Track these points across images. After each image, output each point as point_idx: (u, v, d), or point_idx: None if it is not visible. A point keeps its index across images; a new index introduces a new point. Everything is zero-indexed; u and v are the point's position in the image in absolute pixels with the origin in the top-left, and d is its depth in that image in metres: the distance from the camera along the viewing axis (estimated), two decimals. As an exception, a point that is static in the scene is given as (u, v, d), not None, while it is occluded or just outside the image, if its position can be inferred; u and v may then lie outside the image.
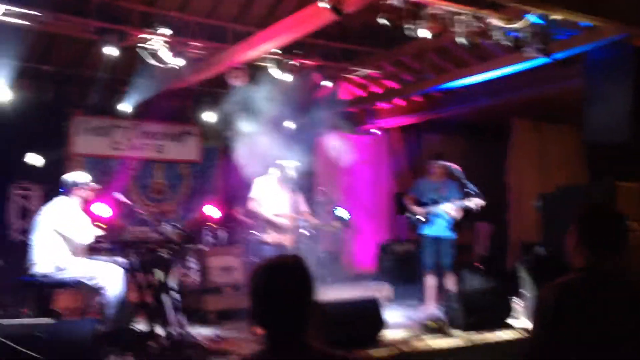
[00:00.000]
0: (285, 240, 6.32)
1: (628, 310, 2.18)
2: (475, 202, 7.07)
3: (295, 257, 2.05)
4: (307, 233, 6.59)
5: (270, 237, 6.31)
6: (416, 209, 7.61)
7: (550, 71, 7.61)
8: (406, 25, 5.29)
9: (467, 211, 7.37)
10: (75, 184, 5.52)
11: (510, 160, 10.22)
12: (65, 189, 5.53)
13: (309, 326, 1.95)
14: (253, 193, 6.49)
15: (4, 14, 5.83)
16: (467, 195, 7.21)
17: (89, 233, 5.36)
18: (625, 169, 7.54)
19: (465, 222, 8.81)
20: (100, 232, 5.42)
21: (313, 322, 1.96)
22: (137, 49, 6.74)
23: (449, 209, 7.27)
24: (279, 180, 6.52)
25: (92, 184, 5.65)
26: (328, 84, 8.45)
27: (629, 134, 5.88)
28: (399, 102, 9.81)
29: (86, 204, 5.65)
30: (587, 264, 2.35)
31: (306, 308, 1.96)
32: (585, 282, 2.23)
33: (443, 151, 8.22)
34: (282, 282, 1.96)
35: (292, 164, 6.47)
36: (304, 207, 6.67)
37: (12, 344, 4.01)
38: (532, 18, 5.58)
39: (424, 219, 7.55)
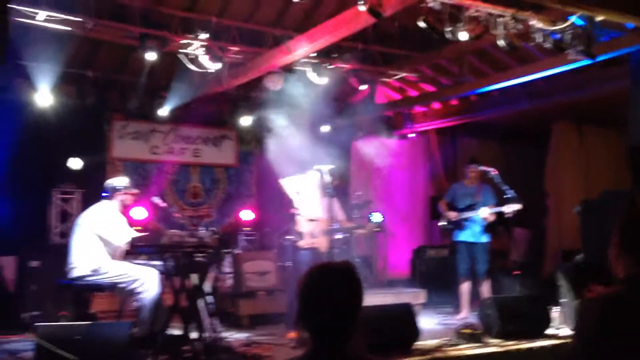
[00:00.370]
0: (320, 244, 6.26)
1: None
2: (511, 207, 6.98)
3: (346, 263, 2.04)
4: (340, 237, 6.53)
5: (304, 241, 6.27)
6: (450, 214, 7.54)
7: (593, 73, 7.43)
8: (446, 29, 5.20)
9: (502, 216, 7.28)
10: (116, 189, 5.64)
11: (550, 164, 9.97)
12: (106, 193, 5.65)
13: (354, 334, 1.92)
14: (290, 194, 6.44)
15: (46, 20, 5.95)
16: (502, 199, 7.12)
17: (127, 235, 5.43)
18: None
19: (503, 227, 8.69)
20: (138, 235, 5.48)
21: (359, 329, 1.93)
22: (177, 54, 6.81)
23: (485, 214, 7.22)
24: (316, 184, 6.47)
25: (132, 188, 5.75)
26: (365, 87, 8.39)
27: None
28: (435, 105, 9.69)
29: (125, 208, 5.77)
30: (630, 273, 2.23)
31: (353, 315, 1.94)
32: (630, 295, 2.12)
33: (478, 155, 8.10)
34: (331, 286, 1.95)
35: (328, 168, 6.43)
36: (339, 211, 6.61)
37: (50, 346, 4.08)
38: (575, 20, 5.42)
39: (457, 225, 7.49)
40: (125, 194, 5.67)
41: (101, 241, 5.44)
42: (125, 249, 5.42)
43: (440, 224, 7.84)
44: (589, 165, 10.25)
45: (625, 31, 6.01)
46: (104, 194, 5.68)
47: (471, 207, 7.42)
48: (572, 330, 1.73)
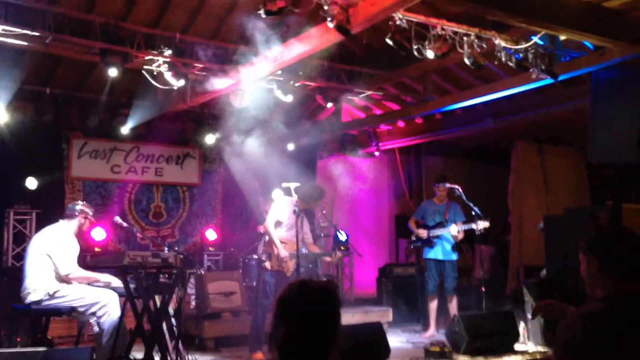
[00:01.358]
0: (287, 267, 6.15)
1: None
2: (480, 224, 7.06)
3: (327, 282, 1.99)
4: (307, 265, 6.43)
5: (269, 264, 6.15)
6: (420, 231, 7.59)
7: (555, 92, 7.58)
8: (413, 46, 5.23)
9: (469, 233, 7.36)
10: (77, 212, 5.51)
11: (511, 182, 10.12)
12: (67, 215, 5.52)
13: (330, 355, 1.84)
14: (272, 212, 6.31)
15: (2, 34, 5.75)
16: (469, 217, 7.20)
17: (71, 267, 5.26)
18: (627, 191, 7.48)
19: (467, 245, 8.78)
20: (81, 274, 5.29)
21: (335, 350, 1.85)
22: (141, 71, 6.67)
23: (454, 231, 7.27)
24: (289, 204, 6.38)
25: (92, 216, 5.63)
26: (330, 105, 8.38)
27: (636, 154, 5.79)
28: (400, 124, 9.75)
29: (81, 233, 5.63)
30: (612, 292, 2.23)
31: (331, 336, 1.87)
32: (615, 312, 2.11)
33: (446, 173, 8.17)
34: (308, 305, 1.87)
35: (294, 186, 6.34)
36: (308, 233, 6.51)
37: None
38: (538, 39, 5.52)
39: (426, 242, 7.54)
40: (85, 218, 5.55)
41: (53, 264, 5.23)
42: (64, 277, 5.21)
43: (410, 241, 7.86)
44: (549, 183, 10.44)
45: (586, 51, 6.15)
46: (64, 215, 5.55)
47: (440, 225, 7.50)
48: (553, 347, 1.70)
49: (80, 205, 5.58)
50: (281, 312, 1.89)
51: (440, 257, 7.52)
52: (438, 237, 7.51)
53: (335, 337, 1.88)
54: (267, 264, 6.15)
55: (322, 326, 1.86)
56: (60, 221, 5.53)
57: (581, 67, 6.22)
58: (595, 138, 6.52)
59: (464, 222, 7.34)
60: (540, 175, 10.42)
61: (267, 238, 6.29)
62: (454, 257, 7.54)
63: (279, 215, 6.28)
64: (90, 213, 5.60)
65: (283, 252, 6.06)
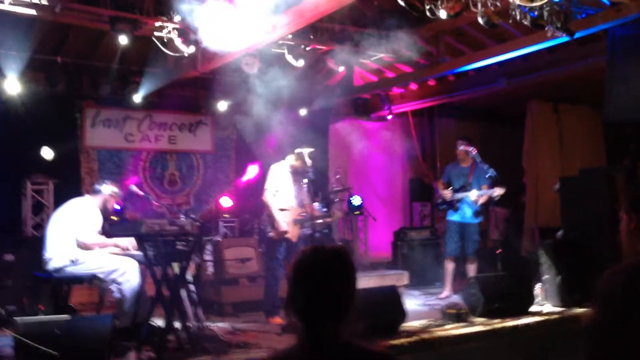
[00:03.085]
0: (291, 234, 6.19)
1: None
2: (496, 191, 7.04)
3: (340, 247, 1.99)
4: (308, 231, 6.47)
5: (274, 232, 6.19)
6: (444, 193, 7.55)
7: (570, 51, 7.43)
8: (426, 6, 5.13)
9: (490, 198, 7.31)
10: (104, 191, 5.67)
11: (527, 143, 10.03)
12: (94, 191, 5.71)
13: (347, 319, 1.86)
14: (268, 183, 6.34)
15: (12, 4, 5.72)
16: (490, 180, 7.15)
17: (93, 236, 5.40)
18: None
19: (482, 206, 8.74)
20: (101, 240, 5.45)
21: (351, 315, 1.86)
22: (151, 38, 6.63)
23: (474, 197, 7.23)
24: (291, 170, 6.38)
25: (119, 196, 5.85)
26: (342, 69, 8.29)
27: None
28: (412, 86, 9.64)
29: (105, 209, 5.76)
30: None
31: (346, 299, 1.88)
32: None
33: (459, 135, 8.07)
34: (325, 269, 1.88)
35: (307, 151, 6.33)
36: (306, 198, 6.52)
37: (29, 342, 3.95)
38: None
39: (450, 205, 7.51)
40: (111, 197, 5.72)
41: (75, 233, 5.34)
42: (88, 244, 5.32)
43: (436, 204, 7.84)
44: (565, 142, 10.34)
45: (603, 7, 6.00)
46: (91, 190, 5.76)
47: (463, 188, 7.44)
48: (594, 304, 1.68)
49: (108, 184, 5.75)
50: (297, 277, 1.91)
51: (461, 219, 7.50)
52: (460, 200, 7.47)
53: (352, 299, 1.90)
54: (272, 233, 6.20)
55: (339, 289, 1.87)
56: (86, 195, 5.71)
57: (597, 24, 6.07)
58: (612, 96, 6.44)
59: (485, 186, 7.27)
60: (555, 135, 10.31)
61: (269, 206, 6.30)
62: (476, 220, 7.51)
63: (276, 185, 6.30)
64: (117, 192, 5.76)
65: (282, 226, 6.12)
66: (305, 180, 6.35)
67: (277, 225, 6.14)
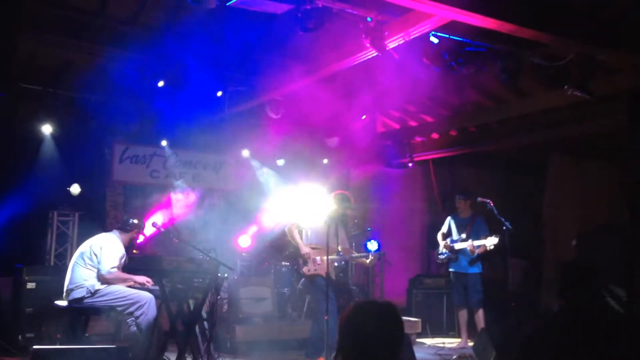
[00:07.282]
0: (321, 271, 6.24)
1: None
2: (491, 241, 7.07)
3: (389, 303, 2.13)
4: (337, 265, 6.53)
5: (307, 268, 6.24)
6: (444, 244, 7.68)
7: (591, 108, 7.48)
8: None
9: (499, 247, 7.32)
10: (134, 225, 5.93)
11: (547, 195, 10.00)
12: (122, 227, 5.94)
13: None
14: (295, 219, 6.43)
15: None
16: (494, 231, 7.21)
17: (113, 267, 5.57)
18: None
19: (498, 258, 8.71)
20: (120, 276, 5.60)
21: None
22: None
23: (469, 246, 7.34)
24: (323, 212, 6.46)
25: (144, 231, 6.18)
26: (364, 116, 8.46)
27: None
28: (434, 135, 9.75)
29: (130, 244, 6.02)
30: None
31: (397, 346, 2.03)
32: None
33: (476, 186, 8.16)
34: (379, 323, 2.04)
35: (342, 196, 6.46)
36: (344, 240, 6.58)
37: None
38: (574, 56, 5.50)
39: (449, 255, 7.60)
40: (138, 233, 6.01)
41: (97, 264, 5.50)
42: (107, 278, 5.47)
43: (437, 254, 7.93)
44: (586, 197, 10.27)
45: (626, 67, 6.09)
46: (119, 226, 5.99)
47: (462, 239, 7.55)
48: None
49: (136, 221, 5.99)
50: (347, 328, 2.06)
51: (460, 269, 7.63)
52: (459, 251, 7.55)
53: (401, 347, 2.07)
54: (305, 269, 6.24)
55: (390, 340, 2.03)
56: (115, 231, 5.91)
57: (619, 84, 6.16)
58: (632, 155, 6.47)
59: (483, 236, 7.33)
60: (577, 190, 10.26)
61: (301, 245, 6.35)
62: (474, 270, 7.56)
63: (301, 222, 6.40)
64: (144, 228, 6.03)
65: (304, 248, 6.23)
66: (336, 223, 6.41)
67: (302, 250, 6.22)
